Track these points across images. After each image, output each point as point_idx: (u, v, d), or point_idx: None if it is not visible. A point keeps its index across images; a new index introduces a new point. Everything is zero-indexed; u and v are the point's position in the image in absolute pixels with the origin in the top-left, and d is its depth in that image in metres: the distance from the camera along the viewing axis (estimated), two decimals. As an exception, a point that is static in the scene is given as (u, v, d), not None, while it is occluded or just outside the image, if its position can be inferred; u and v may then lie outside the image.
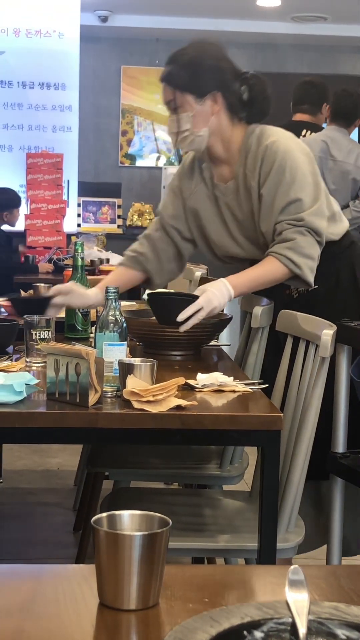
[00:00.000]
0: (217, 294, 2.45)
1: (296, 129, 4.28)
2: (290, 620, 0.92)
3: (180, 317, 2.40)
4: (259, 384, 2.14)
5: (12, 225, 6.28)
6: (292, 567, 0.98)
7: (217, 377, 2.09)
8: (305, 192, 2.51)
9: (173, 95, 2.58)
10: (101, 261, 5.69)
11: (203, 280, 3.57)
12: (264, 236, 2.57)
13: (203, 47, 2.62)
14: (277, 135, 2.58)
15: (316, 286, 2.59)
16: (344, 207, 4.72)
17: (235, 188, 2.61)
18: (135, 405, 1.86)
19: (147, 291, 2.81)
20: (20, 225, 6.88)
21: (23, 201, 7.12)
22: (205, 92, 2.55)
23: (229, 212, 2.65)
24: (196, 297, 2.44)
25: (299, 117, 4.94)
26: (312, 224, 2.49)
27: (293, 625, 0.91)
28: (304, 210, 2.50)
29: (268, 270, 2.53)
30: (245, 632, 0.91)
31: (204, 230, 2.71)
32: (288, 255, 2.48)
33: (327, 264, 2.59)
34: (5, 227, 6.34)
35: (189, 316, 2.41)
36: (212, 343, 2.68)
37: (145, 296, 2.98)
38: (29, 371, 2.15)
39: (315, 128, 4.91)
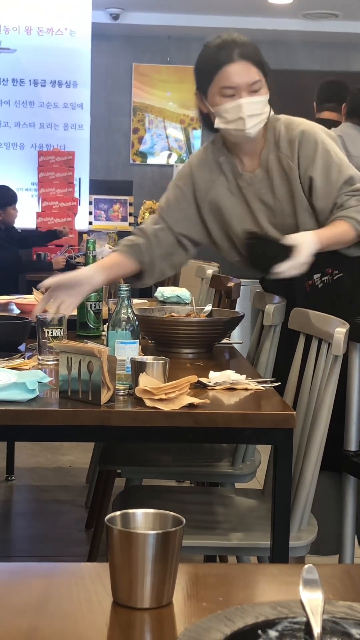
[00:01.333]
0: (310, 250, 2.44)
1: (324, 126, 4.31)
2: (304, 619, 0.92)
3: (277, 270, 2.42)
4: (272, 382, 2.14)
5: (11, 223, 6.24)
6: (306, 566, 0.98)
7: (229, 375, 2.09)
8: (351, 169, 2.56)
9: (258, 75, 2.49)
10: (113, 259, 5.69)
11: (215, 278, 3.57)
12: (316, 214, 2.56)
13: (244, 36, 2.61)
14: (306, 122, 2.61)
15: (340, 273, 2.59)
16: None
17: (265, 174, 2.60)
18: (148, 403, 1.86)
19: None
20: (31, 223, 6.89)
21: (34, 199, 7.13)
22: (266, 77, 2.54)
23: (256, 200, 2.63)
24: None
25: (326, 115, 5.01)
26: None
27: (307, 625, 0.90)
28: (357, 182, 2.53)
29: (344, 231, 2.51)
30: (259, 632, 0.91)
31: (226, 225, 2.67)
32: (358, 218, 2.49)
33: (345, 254, 2.59)
34: (17, 225, 6.35)
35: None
36: (224, 341, 2.68)
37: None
38: (41, 369, 2.15)
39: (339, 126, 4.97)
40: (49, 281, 2.54)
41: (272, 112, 2.57)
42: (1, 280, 5.59)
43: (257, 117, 2.50)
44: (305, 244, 2.44)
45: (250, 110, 2.48)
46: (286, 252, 2.42)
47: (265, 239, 2.54)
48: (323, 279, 2.65)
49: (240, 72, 2.47)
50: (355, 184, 2.53)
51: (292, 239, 2.46)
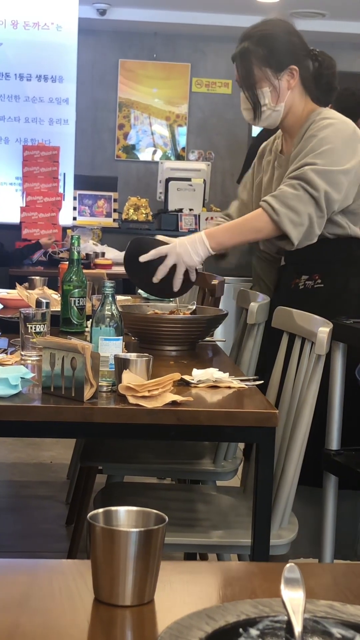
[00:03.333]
0: (186, 244, 2.53)
1: None
2: (286, 618, 0.92)
3: (142, 258, 2.51)
4: (254, 380, 2.14)
5: None
6: (287, 565, 0.98)
7: (212, 373, 2.09)
8: (323, 160, 2.51)
9: (250, 70, 2.60)
10: (96, 255, 5.68)
11: (199, 276, 3.56)
12: None
13: (276, 22, 2.67)
14: (334, 116, 2.62)
15: (322, 284, 2.60)
16: None
17: (287, 160, 2.65)
18: (131, 400, 1.86)
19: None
20: (15, 218, 6.86)
21: (18, 194, 7.11)
22: (283, 67, 2.60)
23: (277, 182, 2.68)
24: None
25: None
26: (309, 178, 2.48)
27: (289, 624, 0.91)
28: (310, 165, 2.50)
29: (249, 217, 2.58)
30: (241, 630, 0.91)
31: (258, 201, 2.76)
32: (269, 201, 2.51)
33: (337, 265, 2.60)
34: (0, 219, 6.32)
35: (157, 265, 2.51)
36: (207, 339, 2.68)
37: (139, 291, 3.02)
38: (24, 365, 2.14)
39: None
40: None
41: (308, 105, 2.65)
42: None
43: (249, 111, 2.65)
44: (180, 241, 2.54)
45: (242, 104, 2.66)
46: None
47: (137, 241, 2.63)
48: (307, 282, 2.66)
49: (239, 68, 2.64)
50: (306, 168, 2.50)
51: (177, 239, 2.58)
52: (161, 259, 2.53)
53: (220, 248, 2.60)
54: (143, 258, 2.52)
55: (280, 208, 2.48)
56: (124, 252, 2.68)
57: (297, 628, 0.89)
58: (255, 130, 7.49)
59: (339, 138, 2.54)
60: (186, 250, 2.53)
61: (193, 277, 2.59)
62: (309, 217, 2.49)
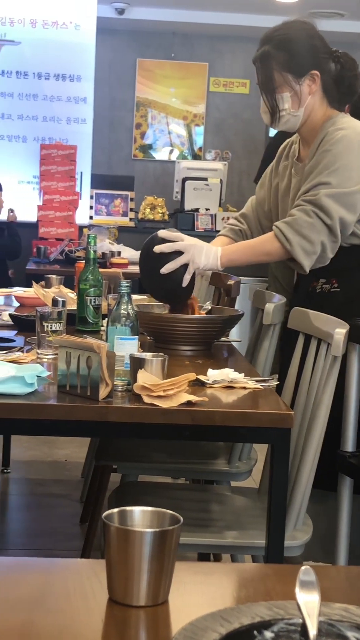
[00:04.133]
0: (203, 247, 2.55)
1: None
2: (300, 621, 0.92)
3: (157, 249, 2.51)
4: (270, 381, 2.14)
5: None
6: (303, 567, 0.98)
7: (228, 374, 2.09)
8: (337, 179, 2.49)
9: (270, 75, 2.58)
10: (112, 254, 5.68)
11: (215, 276, 3.56)
12: None
13: (298, 25, 2.62)
14: (348, 126, 2.58)
15: (338, 289, 2.59)
16: None
17: (304, 169, 2.63)
18: (146, 399, 1.86)
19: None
20: (32, 216, 6.88)
21: (35, 192, 7.13)
22: (304, 72, 2.57)
23: (294, 191, 2.67)
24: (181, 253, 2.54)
25: None
26: (324, 204, 2.47)
27: (303, 627, 0.90)
28: (323, 189, 2.49)
29: (261, 240, 2.58)
30: (255, 632, 0.91)
31: (277, 208, 2.75)
32: (282, 228, 2.50)
33: (354, 270, 2.59)
34: (19, 218, 6.34)
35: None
36: (222, 339, 2.68)
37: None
38: (40, 363, 2.15)
39: None
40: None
41: (326, 112, 2.63)
42: None
43: (267, 115, 2.63)
44: (197, 249, 2.54)
45: (262, 107, 2.65)
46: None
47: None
48: (324, 286, 2.65)
49: (259, 72, 2.62)
50: (319, 190, 2.49)
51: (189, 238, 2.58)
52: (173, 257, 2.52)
53: (229, 265, 2.63)
54: (158, 248, 2.51)
55: (294, 237, 2.47)
56: (140, 252, 2.68)
57: (312, 631, 0.89)
58: (273, 130, 7.47)
59: (352, 152, 2.52)
60: (200, 254, 2.53)
61: (192, 282, 2.58)
62: (322, 245, 2.49)
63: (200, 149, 8.21)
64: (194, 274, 2.56)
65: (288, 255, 2.52)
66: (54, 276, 3.51)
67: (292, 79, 2.57)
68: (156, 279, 2.55)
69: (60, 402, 1.87)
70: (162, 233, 2.56)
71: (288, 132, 2.79)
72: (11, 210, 6.36)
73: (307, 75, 2.57)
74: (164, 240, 2.54)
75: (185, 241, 2.55)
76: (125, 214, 7.33)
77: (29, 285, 3.52)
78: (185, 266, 2.53)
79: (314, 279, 2.64)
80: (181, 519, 1.05)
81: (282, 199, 2.75)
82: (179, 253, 2.52)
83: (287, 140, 2.86)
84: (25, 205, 7.08)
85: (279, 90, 2.58)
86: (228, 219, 6.87)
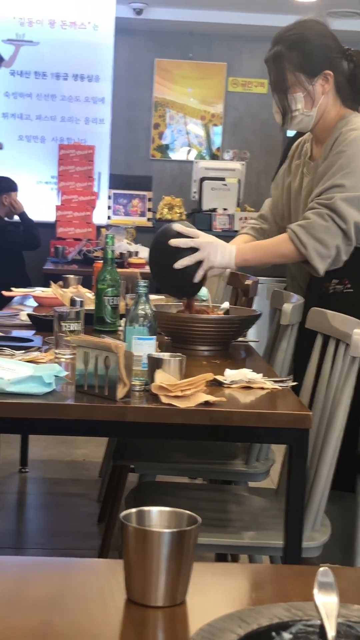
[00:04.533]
0: (218, 245, 2.54)
1: None
2: (319, 622, 0.91)
3: (173, 243, 2.49)
4: (288, 381, 2.13)
5: (15, 212, 6.23)
6: (321, 568, 0.97)
7: (245, 374, 2.08)
8: (351, 181, 2.49)
9: (283, 75, 2.57)
10: (130, 254, 5.69)
11: (232, 276, 3.56)
12: None
13: (310, 25, 2.62)
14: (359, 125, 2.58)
15: (352, 289, 2.58)
16: None
17: (316, 168, 2.62)
18: (164, 399, 1.86)
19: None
20: (50, 216, 6.90)
21: (54, 192, 7.14)
22: (317, 72, 2.56)
23: (306, 191, 2.66)
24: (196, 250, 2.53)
25: None
26: (339, 208, 2.46)
27: (322, 628, 0.90)
28: (338, 192, 2.48)
29: (276, 242, 2.57)
30: (273, 633, 0.90)
31: (290, 207, 2.75)
32: (297, 232, 2.49)
33: None
34: (36, 218, 6.35)
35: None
36: (240, 339, 2.67)
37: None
38: (58, 363, 2.15)
39: None
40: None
41: (339, 111, 2.61)
42: (9, 271, 5.65)
43: (279, 114, 2.61)
44: (213, 247, 2.52)
45: (274, 107, 2.63)
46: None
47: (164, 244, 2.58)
48: (337, 286, 2.64)
49: (272, 71, 2.62)
50: (334, 194, 2.49)
51: (205, 235, 2.56)
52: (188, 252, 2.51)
53: (243, 265, 2.62)
54: (174, 242, 2.50)
55: (308, 241, 2.47)
56: (152, 241, 2.67)
57: (331, 632, 0.89)
58: (292, 131, 7.45)
59: None
60: (215, 252, 2.53)
61: (203, 279, 2.58)
62: (337, 249, 2.49)
63: (218, 148, 8.20)
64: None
65: (303, 258, 2.52)
66: (72, 276, 3.52)
67: (305, 79, 2.56)
68: (167, 271, 2.54)
69: (78, 402, 1.88)
70: (178, 227, 2.54)
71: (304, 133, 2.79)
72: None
73: (320, 75, 2.56)
74: (179, 234, 2.53)
75: (202, 238, 2.54)
76: (143, 214, 7.34)
77: (47, 285, 3.53)
78: (198, 262, 2.52)
79: (326, 280, 2.63)
80: (199, 519, 1.05)
81: (294, 198, 2.75)
82: (193, 249, 2.52)
83: (300, 139, 2.85)
84: (43, 205, 7.10)
85: (291, 90, 2.57)
86: (246, 219, 6.86)
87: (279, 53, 2.57)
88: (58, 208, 6.91)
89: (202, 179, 7.08)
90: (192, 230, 2.55)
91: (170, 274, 2.52)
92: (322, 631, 0.90)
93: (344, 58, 2.61)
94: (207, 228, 6.81)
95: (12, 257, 6.09)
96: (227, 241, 2.78)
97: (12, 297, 3.62)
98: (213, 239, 2.57)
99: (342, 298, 2.62)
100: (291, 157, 2.84)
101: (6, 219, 6.22)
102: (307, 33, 2.57)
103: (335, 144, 2.56)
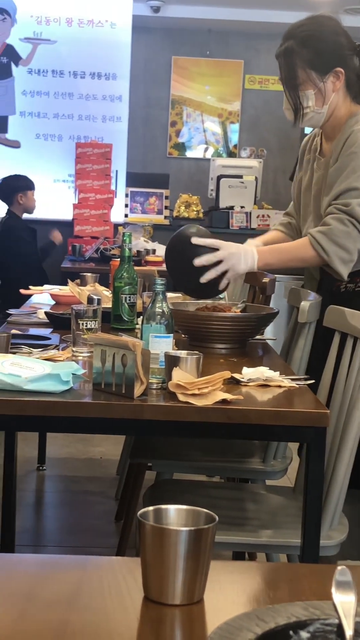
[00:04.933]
0: (241, 253, 2.52)
1: None
2: (336, 621, 0.91)
3: (198, 262, 2.44)
4: (305, 379, 2.13)
5: (31, 210, 6.22)
6: (339, 567, 0.97)
7: (263, 372, 2.08)
8: None
9: (294, 72, 2.56)
10: (147, 252, 5.69)
11: (250, 274, 3.55)
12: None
13: (322, 21, 2.60)
14: None
15: None
16: None
17: (326, 165, 2.61)
18: (181, 397, 1.85)
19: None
20: (68, 215, 6.91)
21: (71, 191, 7.15)
22: (328, 69, 2.54)
23: (317, 187, 2.65)
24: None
25: None
26: (357, 214, 2.47)
27: (339, 627, 0.90)
28: (355, 197, 2.48)
29: (297, 246, 2.58)
30: (291, 632, 0.90)
31: (299, 201, 2.75)
32: (318, 238, 2.49)
33: None
34: (54, 216, 6.36)
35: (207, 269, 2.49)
36: (257, 337, 2.67)
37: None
38: (75, 361, 2.15)
39: None
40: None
41: (350, 107, 2.60)
42: (32, 274, 5.62)
43: (290, 111, 2.60)
44: (236, 249, 2.52)
45: (285, 104, 2.62)
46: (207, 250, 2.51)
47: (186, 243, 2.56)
48: (348, 285, 2.64)
49: (283, 68, 2.60)
50: (351, 198, 2.48)
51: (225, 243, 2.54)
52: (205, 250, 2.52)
53: (265, 268, 2.63)
54: (199, 262, 2.50)
55: (330, 247, 2.48)
56: (168, 246, 2.67)
57: (349, 632, 0.88)
58: (308, 128, 7.42)
59: None
60: (239, 262, 2.53)
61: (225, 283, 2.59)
62: (359, 252, 2.50)
63: (235, 146, 8.19)
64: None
65: (324, 262, 2.53)
66: (89, 274, 3.52)
67: (316, 76, 2.54)
68: (189, 277, 2.55)
69: (95, 399, 1.88)
70: (195, 240, 2.53)
71: None
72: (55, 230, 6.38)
73: (331, 72, 2.55)
74: (196, 246, 2.52)
75: (223, 249, 2.52)
76: (160, 212, 7.34)
77: (65, 283, 3.54)
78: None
79: (336, 280, 2.63)
80: (216, 517, 1.05)
81: (304, 192, 2.74)
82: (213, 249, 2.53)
83: (309, 135, 2.84)
84: (60, 203, 7.11)
85: (302, 87, 2.56)
86: (263, 216, 6.85)
87: (290, 49, 2.55)
88: (75, 206, 6.92)
89: (219, 177, 7.07)
90: (210, 241, 2.53)
91: (194, 280, 2.53)
92: (339, 630, 0.89)
93: (356, 54, 2.60)
94: (225, 226, 6.80)
95: (29, 256, 6.10)
96: (244, 240, 2.78)
97: (29, 295, 3.63)
98: (234, 248, 2.55)
99: (355, 297, 2.62)
100: (302, 152, 2.84)
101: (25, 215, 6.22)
102: (319, 29, 2.56)
103: (347, 143, 2.55)
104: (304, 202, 2.75)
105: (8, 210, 6.15)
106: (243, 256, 2.55)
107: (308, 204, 2.71)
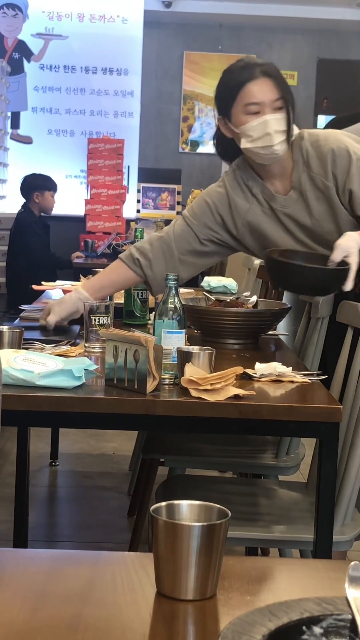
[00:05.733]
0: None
1: None
2: (350, 617, 0.91)
3: (349, 287, 2.33)
4: (318, 374, 2.12)
5: (47, 210, 6.20)
6: (352, 563, 0.97)
7: (275, 367, 2.08)
8: None
9: (287, 86, 2.50)
10: (160, 247, 5.69)
11: (262, 269, 3.55)
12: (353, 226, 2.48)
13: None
14: (331, 136, 2.51)
15: None
16: None
17: (299, 196, 2.52)
18: (193, 393, 1.85)
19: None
20: (80, 210, 6.92)
21: (83, 186, 7.16)
22: (289, 95, 2.51)
23: (290, 221, 2.55)
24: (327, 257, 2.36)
25: None
26: None
27: (353, 622, 0.89)
28: None
29: None
30: (304, 628, 0.90)
31: (269, 244, 2.61)
32: None
33: None
34: (66, 212, 6.37)
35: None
36: (270, 332, 2.66)
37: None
38: (88, 356, 2.16)
39: None
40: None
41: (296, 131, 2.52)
42: (43, 270, 5.63)
43: (283, 134, 2.44)
44: (353, 243, 2.36)
45: (276, 126, 2.43)
46: (338, 273, 2.34)
47: (310, 270, 2.38)
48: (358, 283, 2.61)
49: (263, 88, 2.45)
50: None
51: (337, 249, 2.35)
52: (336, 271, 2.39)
53: None
54: (349, 287, 2.35)
55: None
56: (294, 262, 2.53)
57: (362, 627, 0.88)
58: (320, 123, 7.41)
59: (356, 147, 2.47)
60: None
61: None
62: None
63: (247, 141, 8.18)
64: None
65: None
66: (101, 270, 3.52)
67: (292, 101, 2.50)
68: (305, 282, 2.41)
69: (107, 395, 1.88)
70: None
71: (342, 123, 2.73)
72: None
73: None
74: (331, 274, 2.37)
75: (351, 256, 2.35)
76: (172, 207, 7.34)
77: (77, 279, 3.54)
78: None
79: None
80: (229, 513, 1.05)
81: (282, 234, 2.56)
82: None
83: (210, 202, 2.62)
84: (72, 199, 7.12)
85: (283, 110, 2.46)
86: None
87: (276, 69, 2.53)
88: (87, 202, 6.93)
89: (232, 172, 7.06)
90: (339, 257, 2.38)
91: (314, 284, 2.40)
92: (353, 626, 0.89)
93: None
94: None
95: (39, 250, 6.10)
96: None
97: (42, 291, 3.63)
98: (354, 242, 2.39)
99: None
100: (240, 195, 2.60)
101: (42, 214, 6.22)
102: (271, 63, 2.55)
103: (335, 160, 2.43)
104: (282, 240, 2.59)
105: (24, 204, 6.16)
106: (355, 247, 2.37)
107: (288, 241, 2.57)
